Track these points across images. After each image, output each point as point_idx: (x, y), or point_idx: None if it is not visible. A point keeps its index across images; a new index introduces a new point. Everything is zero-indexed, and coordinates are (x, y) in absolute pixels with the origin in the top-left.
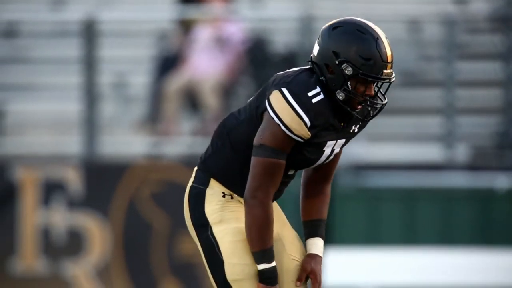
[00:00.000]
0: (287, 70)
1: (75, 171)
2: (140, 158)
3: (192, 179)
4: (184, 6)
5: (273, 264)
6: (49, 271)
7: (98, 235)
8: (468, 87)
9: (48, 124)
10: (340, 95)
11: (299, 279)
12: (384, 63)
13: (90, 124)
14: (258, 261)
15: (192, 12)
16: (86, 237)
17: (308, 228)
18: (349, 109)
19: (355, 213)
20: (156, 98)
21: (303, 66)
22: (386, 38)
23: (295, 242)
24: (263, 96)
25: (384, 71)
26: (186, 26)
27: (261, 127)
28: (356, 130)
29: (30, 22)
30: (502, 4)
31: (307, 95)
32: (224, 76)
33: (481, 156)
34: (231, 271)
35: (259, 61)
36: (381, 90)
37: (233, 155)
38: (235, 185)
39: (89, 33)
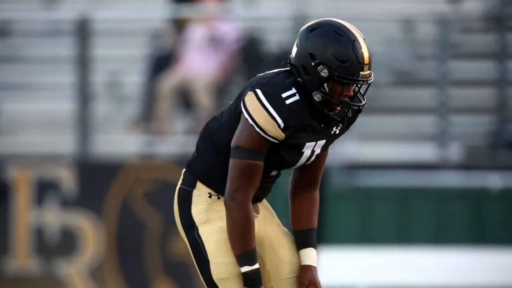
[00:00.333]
0: (266, 72)
1: (68, 170)
2: (134, 157)
3: (180, 181)
4: (177, 5)
5: (256, 266)
6: (42, 271)
7: (92, 234)
8: (462, 86)
9: (41, 123)
10: (317, 97)
11: None
12: (360, 65)
13: (84, 123)
14: (241, 263)
15: (186, 11)
16: (79, 237)
17: (299, 239)
18: (326, 110)
19: (348, 213)
20: (150, 97)
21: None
22: (364, 40)
23: (284, 241)
24: (240, 98)
25: (361, 73)
26: (179, 25)
27: (237, 129)
28: (337, 132)
29: (23, 21)
30: (495, 3)
31: (281, 96)
32: (217, 75)
33: (474, 155)
34: (216, 270)
35: (252, 60)
36: (361, 91)
37: (216, 158)
38: (220, 186)
39: (83, 32)
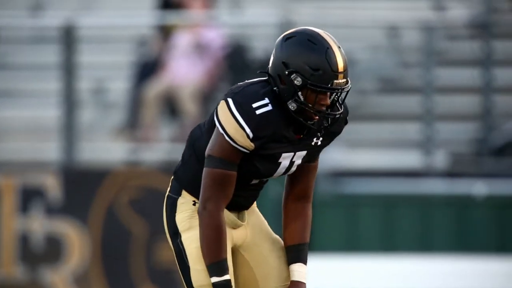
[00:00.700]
0: (247, 81)
1: (53, 177)
2: (119, 164)
3: (168, 188)
4: (163, 12)
5: (225, 277)
6: (27, 278)
7: (77, 241)
8: (447, 93)
9: (27, 130)
10: (292, 106)
11: None
12: (334, 73)
13: (69, 130)
14: (210, 274)
15: (172, 18)
16: (64, 244)
17: (290, 254)
18: (302, 119)
19: (334, 220)
20: (135, 104)
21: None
22: (340, 48)
23: (274, 249)
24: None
25: (335, 81)
26: (165, 32)
27: (211, 137)
28: (319, 143)
29: (8, 28)
30: (480, 10)
31: (251, 106)
32: (203, 82)
33: (459, 162)
34: (196, 277)
35: (238, 67)
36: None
37: (198, 166)
38: None
39: (68, 39)
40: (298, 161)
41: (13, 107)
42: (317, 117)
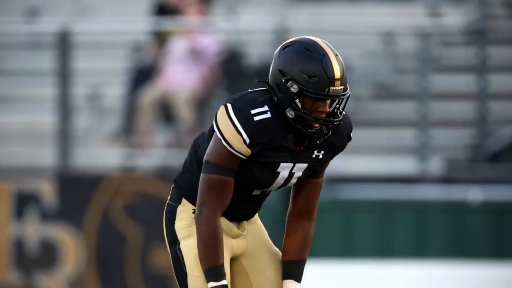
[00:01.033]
0: (249, 90)
1: (49, 183)
2: (114, 170)
3: (169, 196)
4: (159, 18)
5: (222, 283)
6: (22, 284)
7: (72, 247)
8: (442, 100)
9: (22, 136)
10: (290, 113)
11: None
12: (330, 79)
13: (64, 136)
14: (207, 279)
15: (167, 24)
16: (59, 249)
17: (285, 269)
18: (301, 127)
19: (330, 226)
20: (130, 110)
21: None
22: (337, 56)
23: (272, 261)
24: None
25: (331, 88)
26: (161, 38)
27: (210, 143)
28: (321, 156)
29: (4, 33)
30: (476, 17)
31: (250, 112)
32: (198, 88)
33: (455, 168)
34: (193, 284)
35: (233, 73)
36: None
37: (198, 174)
38: None
39: (64, 44)
40: (298, 173)
41: (9, 112)
42: (317, 125)
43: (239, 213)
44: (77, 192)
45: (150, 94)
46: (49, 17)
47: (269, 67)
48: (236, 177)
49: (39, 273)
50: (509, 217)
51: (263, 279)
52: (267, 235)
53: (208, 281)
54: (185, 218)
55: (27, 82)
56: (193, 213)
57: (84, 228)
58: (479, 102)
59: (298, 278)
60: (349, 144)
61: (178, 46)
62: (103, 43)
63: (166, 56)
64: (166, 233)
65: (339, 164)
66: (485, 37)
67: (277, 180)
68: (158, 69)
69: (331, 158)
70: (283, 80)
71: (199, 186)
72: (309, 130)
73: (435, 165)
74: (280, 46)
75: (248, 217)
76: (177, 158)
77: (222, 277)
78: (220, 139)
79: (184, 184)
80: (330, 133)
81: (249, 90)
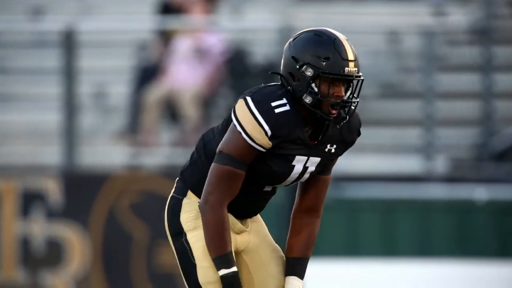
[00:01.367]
0: (263, 85)
1: (54, 181)
2: (120, 168)
3: (173, 189)
4: (164, 17)
5: (233, 269)
6: (28, 282)
7: (78, 245)
8: (447, 99)
9: (27, 134)
10: (308, 99)
11: None
12: (344, 60)
13: (70, 135)
14: (217, 266)
15: (172, 23)
16: (65, 248)
17: (288, 265)
18: (320, 112)
19: (334, 225)
20: (136, 108)
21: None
22: (347, 40)
23: (274, 257)
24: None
25: (346, 68)
26: (166, 37)
27: (225, 135)
28: (333, 150)
29: (9, 32)
30: (480, 16)
31: (270, 105)
32: (203, 87)
33: (460, 167)
34: (203, 275)
35: (238, 72)
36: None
37: (207, 167)
38: None
39: (69, 43)
40: (311, 168)
41: (14, 111)
42: (334, 112)
43: (246, 209)
44: (82, 190)
45: (155, 93)
46: (54, 15)
47: (274, 66)
48: (251, 172)
49: (45, 271)
50: None
51: (265, 274)
52: (268, 232)
53: (219, 269)
54: (190, 211)
55: (32, 81)
56: (199, 206)
57: (90, 227)
58: (484, 101)
59: (301, 275)
60: (355, 142)
61: (183, 45)
62: (108, 41)
63: (171, 55)
64: (169, 225)
65: (344, 163)
66: (490, 36)
67: (292, 174)
68: (163, 68)
69: (342, 152)
70: (297, 67)
71: (208, 176)
72: (328, 116)
73: (440, 164)
74: (290, 39)
75: (253, 214)
76: (182, 157)
77: (233, 263)
78: (239, 132)
79: (191, 177)
80: (348, 118)
81: (263, 84)
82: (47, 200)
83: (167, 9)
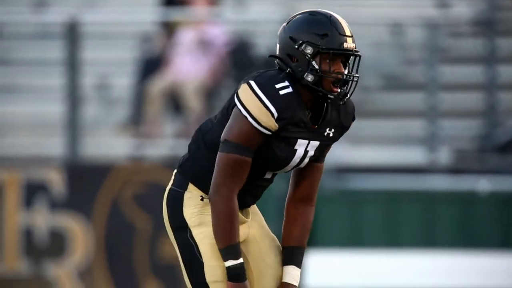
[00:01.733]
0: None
1: (57, 172)
2: (123, 160)
3: (171, 182)
4: (167, 9)
5: (240, 260)
6: (31, 272)
7: (81, 236)
8: (451, 90)
9: (31, 126)
10: (309, 77)
11: None
12: (342, 36)
13: (73, 126)
14: (225, 257)
15: (176, 15)
16: (68, 238)
17: (285, 255)
18: (322, 90)
19: (338, 216)
20: (139, 100)
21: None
22: (343, 19)
23: (272, 247)
24: (233, 96)
25: (345, 44)
26: (169, 29)
27: (228, 123)
28: (331, 134)
29: (12, 24)
30: (484, 8)
31: (275, 87)
32: (207, 79)
33: (463, 159)
34: (211, 273)
35: (242, 63)
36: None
37: (207, 158)
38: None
39: (72, 35)
40: (311, 152)
41: (17, 102)
42: (336, 89)
43: (245, 198)
44: (86, 181)
45: (158, 84)
46: (57, 7)
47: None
48: (255, 159)
49: (48, 262)
50: None
51: (263, 265)
52: (264, 222)
53: (226, 260)
54: (194, 206)
55: (36, 72)
56: (201, 200)
57: (93, 218)
58: (487, 93)
59: (299, 264)
60: (358, 134)
61: (186, 37)
62: (112, 33)
63: (175, 46)
64: (170, 218)
65: (347, 154)
66: (493, 27)
67: (294, 158)
68: (166, 60)
69: (339, 137)
70: (296, 47)
71: (216, 166)
72: (330, 94)
73: (444, 156)
74: (283, 24)
75: (252, 202)
76: (185, 148)
77: (240, 254)
78: (245, 116)
79: (191, 169)
80: (350, 95)
81: (262, 70)
82: (51, 191)
83: (171, 1)
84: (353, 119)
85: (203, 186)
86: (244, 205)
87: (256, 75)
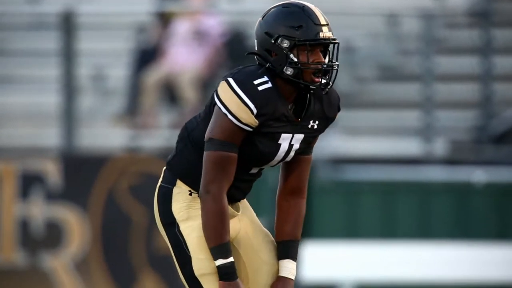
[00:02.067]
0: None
1: (53, 163)
2: (119, 150)
3: (161, 179)
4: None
5: (230, 259)
6: (27, 264)
7: (77, 227)
8: (446, 81)
9: (26, 117)
10: (289, 71)
11: None
12: (317, 25)
13: (69, 117)
14: (215, 256)
15: (171, 5)
16: (64, 230)
17: (280, 249)
18: (303, 82)
19: (334, 207)
20: (135, 91)
21: None
22: (316, 7)
23: (265, 242)
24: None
25: (321, 33)
26: (164, 19)
27: (210, 121)
28: (315, 126)
29: (8, 14)
30: None
31: (253, 83)
32: (202, 70)
33: (459, 150)
34: (198, 266)
35: (237, 54)
36: (330, 56)
37: (194, 155)
38: (199, 185)
39: (68, 25)
40: (296, 146)
41: (13, 93)
42: (317, 80)
43: (234, 193)
44: (82, 172)
45: (154, 75)
46: None
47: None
48: (238, 154)
49: (44, 253)
50: None
51: (258, 261)
52: (255, 216)
53: (216, 259)
54: (182, 200)
55: (32, 63)
56: (190, 194)
57: (89, 209)
58: (483, 84)
59: (295, 257)
60: (354, 125)
61: (182, 27)
62: (107, 24)
63: (170, 37)
64: (160, 215)
65: (343, 145)
66: (489, 18)
67: (279, 153)
68: (162, 50)
69: (324, 129)
70: (272, 41)
71: (204, 165)
72: (312, 85)
73: (439, 147)
74: (258, 19)
75: (242, 197)
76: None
77: (230, 254)
78: (225, 114)
79: (179, 166)
80: (332, 84)
81: (241, 66)
82: (47, 182)
83: None
84: (339, 110)
85: (191, 182)
86: (233, 200)
87: (235, 71)
